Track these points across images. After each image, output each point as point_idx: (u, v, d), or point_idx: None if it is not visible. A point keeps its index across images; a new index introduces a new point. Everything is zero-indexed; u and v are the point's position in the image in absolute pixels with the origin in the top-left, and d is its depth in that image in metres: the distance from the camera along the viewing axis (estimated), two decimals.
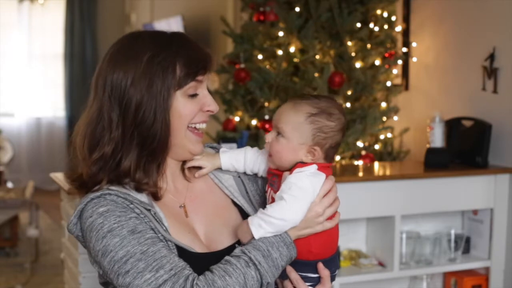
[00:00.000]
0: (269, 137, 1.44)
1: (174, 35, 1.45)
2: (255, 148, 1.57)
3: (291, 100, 1.45)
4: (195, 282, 1.29)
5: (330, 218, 1.42)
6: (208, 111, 1.45)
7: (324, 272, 1.44)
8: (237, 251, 1.36)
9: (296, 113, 1.41)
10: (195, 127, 1.45)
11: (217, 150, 1.59)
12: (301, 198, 1.37)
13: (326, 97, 1.46)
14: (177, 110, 1.41)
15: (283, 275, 1.44)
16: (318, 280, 1.45)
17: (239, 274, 1.31)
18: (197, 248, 1.41)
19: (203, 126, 1.47)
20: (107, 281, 1.42)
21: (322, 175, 1.41)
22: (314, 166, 1.40)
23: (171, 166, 1.50)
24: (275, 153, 1.43)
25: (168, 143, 1.42)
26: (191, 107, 1.43)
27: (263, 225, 1.35)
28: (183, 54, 1.40)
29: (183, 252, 1.37)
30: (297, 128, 1.41)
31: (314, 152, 1.42)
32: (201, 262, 1.35)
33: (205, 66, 1.43)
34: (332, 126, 1.42)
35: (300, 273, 1.44)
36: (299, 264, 1.43)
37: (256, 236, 1.35)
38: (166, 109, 1.39)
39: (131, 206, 1.37)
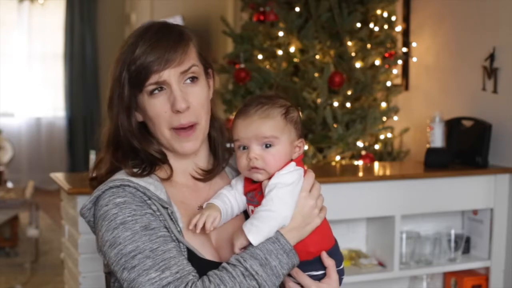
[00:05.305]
0: (256, 152, 1.39)
1: (147, 30, 1.41)
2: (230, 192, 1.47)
3: (250, 111, 1.41)
4: None
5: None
6: (177, 111, 1.38)
7: (328, 261, 1.43)
8: (232, 259, 1.32)
9: (273, 119, 1.40)
10: (181, 128, 1.40)
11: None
12: (286, 191, 1.37)
13: (271, 94, 1.49)
14: (145, 110, 1.41)
15: None
16: (323, 276, 1.45)
17: (235, 283, 1.27)
18: (207, 252, 1.39)
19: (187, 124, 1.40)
20: (112, 271, 1.42)
21: (301, 169, 1.43)
22: (293, 164, 1.42)
23: (182, 162, 1.48)
24: (269, 163, 1.39)
25: (132, 144, 1.43)
26: (158, 107, 1.39)
27: (254, 222, 1.33)
28: (138, 55, 1.37)
29: (192, 256, 1.35)
30: (284, 130, 1.41)
31: (301, 145, 1.45)
32: (208, 270, 1.32)
33: (164, 66, 1.37)
34: (298, 114, 1.46)
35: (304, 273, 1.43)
36: (300, 264, 1.42)
37: (249, 236, 1.32)
38: (126, 110, 1.41)
39: (149, 202, 1.36)
